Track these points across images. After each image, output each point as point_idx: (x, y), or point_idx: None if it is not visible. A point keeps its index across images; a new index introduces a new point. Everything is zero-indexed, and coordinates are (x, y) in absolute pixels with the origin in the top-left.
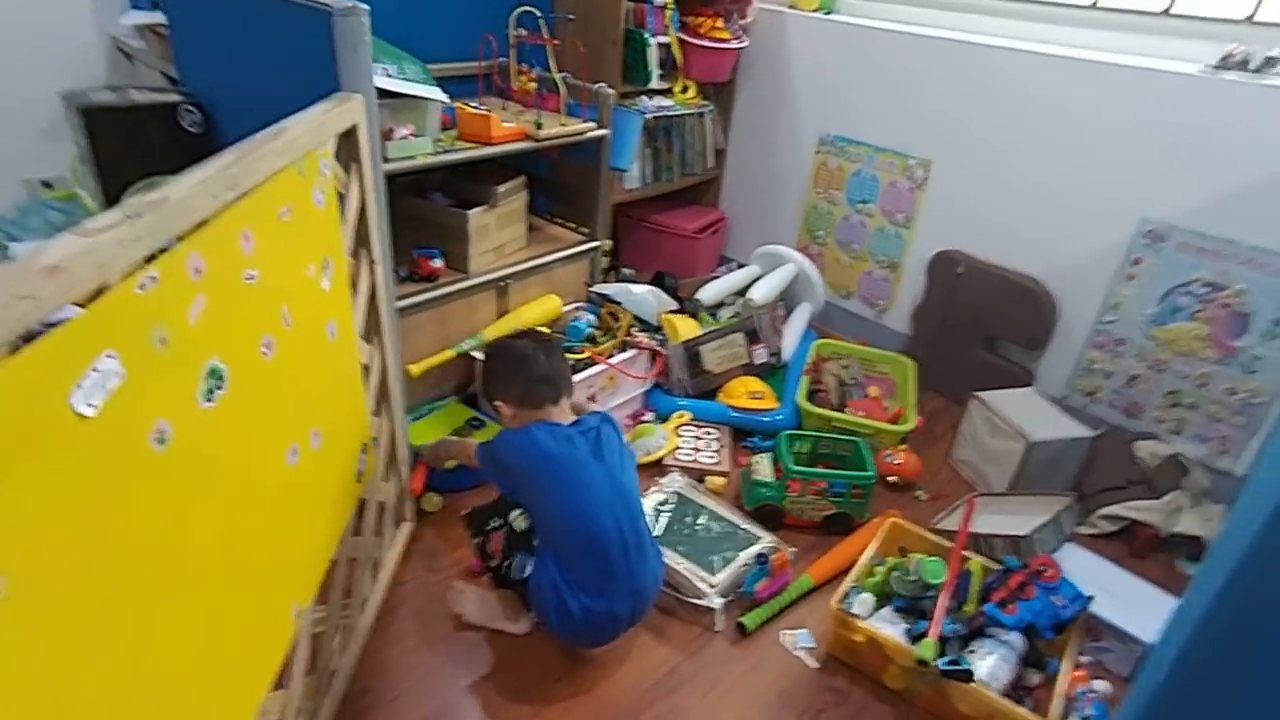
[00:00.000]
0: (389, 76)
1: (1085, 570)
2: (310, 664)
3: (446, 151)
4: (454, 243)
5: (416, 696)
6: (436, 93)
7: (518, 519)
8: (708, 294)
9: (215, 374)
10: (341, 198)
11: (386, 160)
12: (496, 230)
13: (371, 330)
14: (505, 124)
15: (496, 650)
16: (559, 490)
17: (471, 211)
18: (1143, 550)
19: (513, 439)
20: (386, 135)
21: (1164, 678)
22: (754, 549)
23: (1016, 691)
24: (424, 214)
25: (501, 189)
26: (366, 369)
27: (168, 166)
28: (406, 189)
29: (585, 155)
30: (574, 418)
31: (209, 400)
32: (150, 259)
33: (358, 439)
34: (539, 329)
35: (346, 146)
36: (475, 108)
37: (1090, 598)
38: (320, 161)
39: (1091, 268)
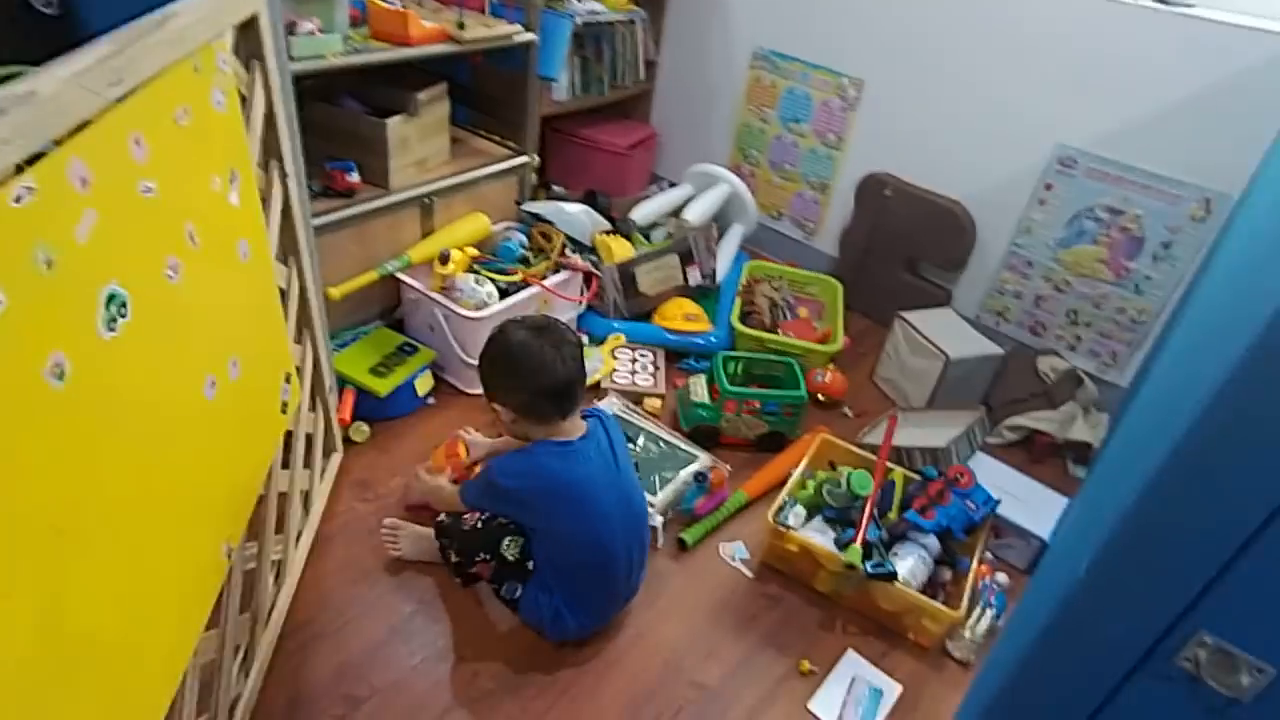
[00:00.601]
0: None
1: (992, 476)
2: (244, 601)
3: (359, 51)
4: (372, 155)
5: (361, 624)
6: None
7: (508, 548)
8: (641, 214)
9: (116, 300)
10: (245, 101)
11: (292, 59)
12: (418, 142)
13: (288, 250)
14: (424, 23)
15: (439, 575)
16: (572, 520)
17: (390, 120)
18: (1041, 456)
19: (516, 468)
20: (289, 29)
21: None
22: (692, 468)
23: (932, 587)
24: (337, 122)
25: (423, 96)
26: (284, 293)
27: (19, 56)
28: (315, 94)
29: (512, 62)
30: (582, 427)
31: (111, 330)
32: (21, 169)
33: (280, 368)
34: (547, 316)
35: (246, 41)
36: (388, 3)
37: (998, 501)
38: (218, 56)
39: (1009, 191)
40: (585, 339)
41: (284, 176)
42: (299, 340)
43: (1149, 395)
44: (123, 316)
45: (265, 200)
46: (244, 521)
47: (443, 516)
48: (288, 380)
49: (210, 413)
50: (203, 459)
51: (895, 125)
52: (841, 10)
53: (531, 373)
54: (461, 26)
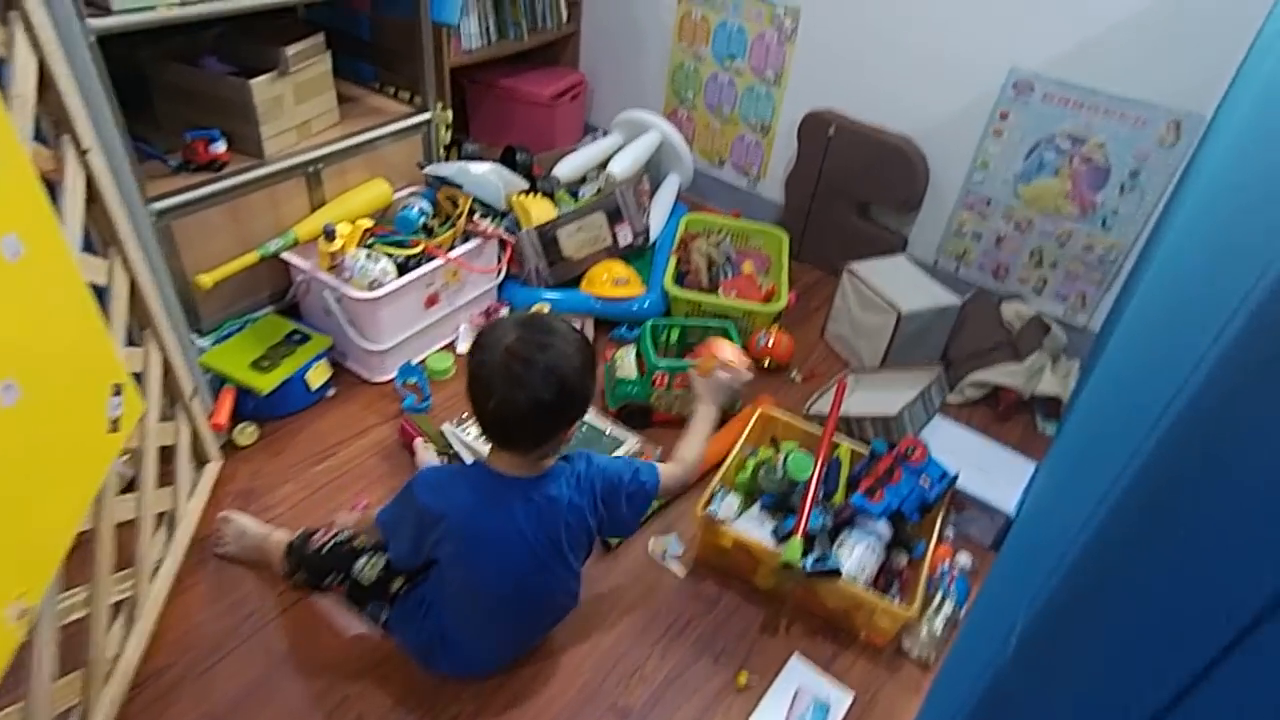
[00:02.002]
0: None
1: (951, 442)
2: (66, 660)
3: (201, 1)
4: (239, 121)
5: (230, 666)
6: None
7: (364, 570)
8: (565, 169)
9: None
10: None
11: (110, 12)
12: (296, 104)
13: (106, 239)
14: None
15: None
16: (455, 561)
17: (256, 80)
18: (1007, 414)
19: (435, 479)
20: None
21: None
22: (618, 452)
23: (885, 576)
24: (195, 85)
25: (292, 51)
26: (105, 291)
27: None
28: (171, 55)
29: (402, 8)
30: (533, 471)
31: None
32: None
33: (103, 380)
34: (549, 318)
35: None
36: None
37: (955, 475)
38: None
39: (962, 124)
40: (506, 311)
41: (83, 152)
42: (135, 342)
43: (1114, 360)
44: None
45: (55, 183)
46: (47, 573)
47: (292, 537)
48: (118, 392)
49: None
50: None
51: (836, 57)
52: None
53: (476, 380)
54: None
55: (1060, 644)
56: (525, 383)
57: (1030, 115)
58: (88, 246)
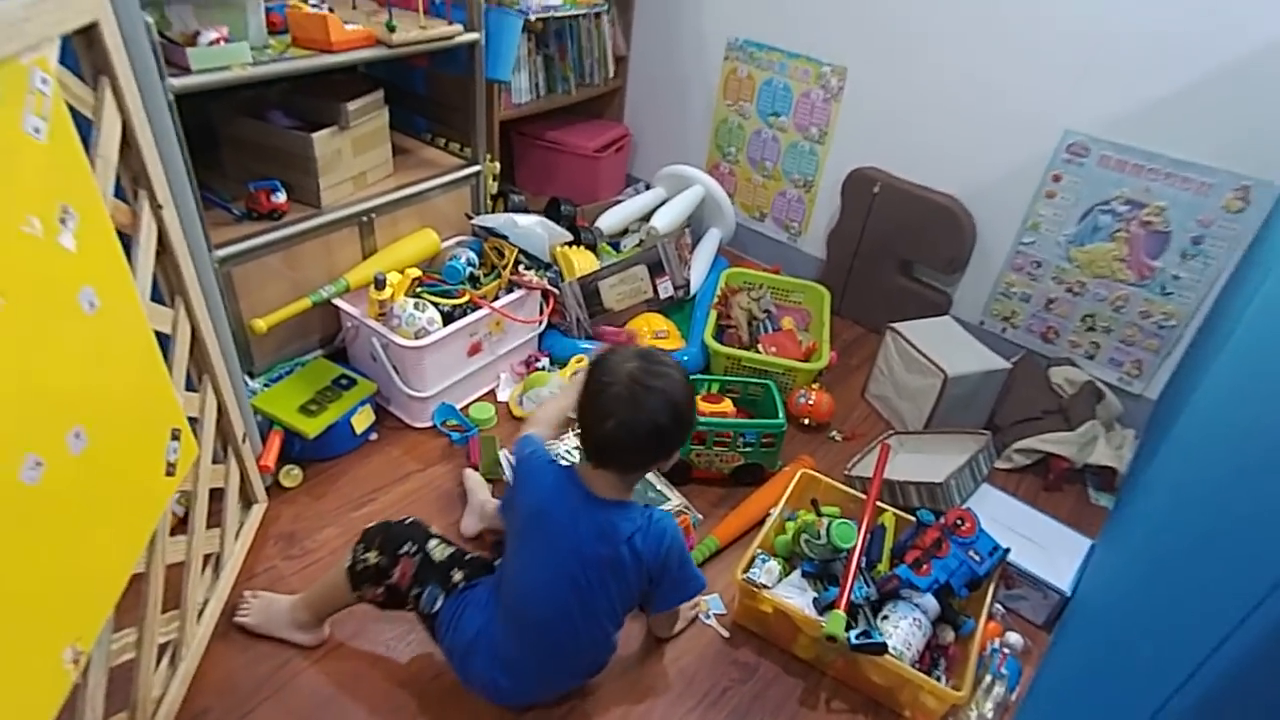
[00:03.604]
0: None
1: (999, 511)
2: (112, 702)
3: (272, 61)
4: (299, 172)
5: (269, 711)
6: None
7: (436, 548)
8: (608, 221)
9: None
10: (91, 125)
11: (190, 72)
12: (353, 156)
13: (172, 289)
14: (350, 26)
15: (364, 645)
16: (513, 543)
17: (317, 135)
18: (1057, 483)
19: (530, 447)
20: (190, 41)
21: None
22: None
23: (930, 653)
24: (260, 138)
25: (353, 106)
26: (167, 338)
27: None
28: (240, 108)
29: (457, 65)
30: (617, 495)
31: None
32: None
33: (163, 425)
34: (660, 352)
35: (89, 54)
36: (313, 6)
37: (1007, 550)
38: (31, 75)
39: (1011, 185)
40: (546, 362)
41: (157, 207)
42: (194, 388)
43: (1200, 427)
44: None
45: (130, 237)
46: (102, 615)
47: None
48: (176, 437)
49: (32, 500)
50: (24, 558)
51: (882, 116)
52: None
53: (594, 399)
54: (391, 29)
55: None
56: (646, 407)
57: (1085, 178)
58: (154, 295)
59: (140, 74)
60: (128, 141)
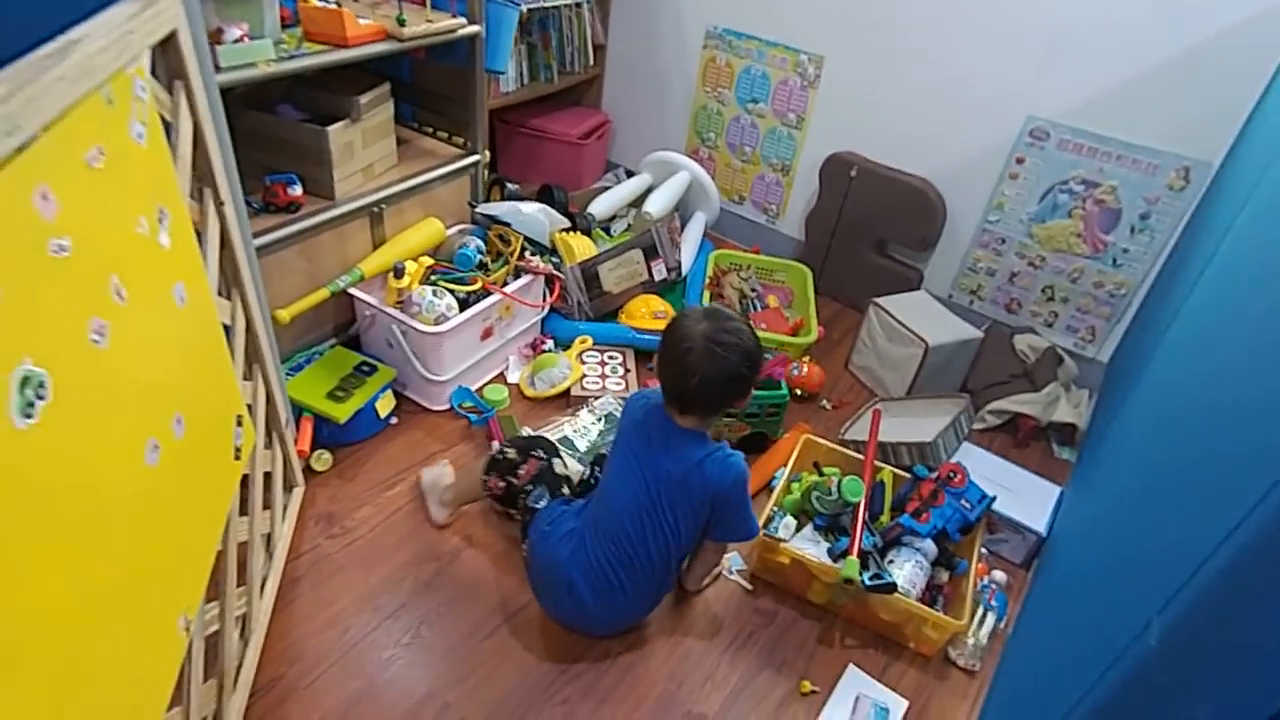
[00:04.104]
0: None
1: (979, 466)
2: (208, 669)
3: (292, 56)
4: (313, 165)
5: (335, 677)
6: None
7: (558, 462)
8: (600, 207)
9: (32, 382)
10: (168, 127)
11: (219, 70)
12: (363, 148)
13: (230, 283)
14: (361, 20)
15: (415, 613)
16: (610, 457)
17: (332, 128)
18: (1025, 440)
19: (634, 399)
20: (215, 38)
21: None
22: None
23: (930, 591)
24: (273, 131)
25: (364, 99)
26: (228, 329)
27: None
28: (247, 101)
29: (456, 57)
30: (690, 431)
31: (27, 417)
32: None
33: (230, 412)
34: (722, 308)
35: (165, 60)
36: (322, 1)
37: (993, 498)
38: (135, 84)
39: (978, 168)
40: (551, 344)
41: (219, 204)
42: (248, 377)
43: (1168, 379)
44: (41, 399)
45: (200, 234)
46: (202, 587)
47: None
48: (239, 423)
49: (155, 480)
50: (150, 534)
51: (858, 103)
52: None
53: (667, 351)
54: (402, 23)
55: (1201, 641)
56: (725, 360)
57: (1045, 160)
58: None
59: (206, 76)
60: (196, 142)
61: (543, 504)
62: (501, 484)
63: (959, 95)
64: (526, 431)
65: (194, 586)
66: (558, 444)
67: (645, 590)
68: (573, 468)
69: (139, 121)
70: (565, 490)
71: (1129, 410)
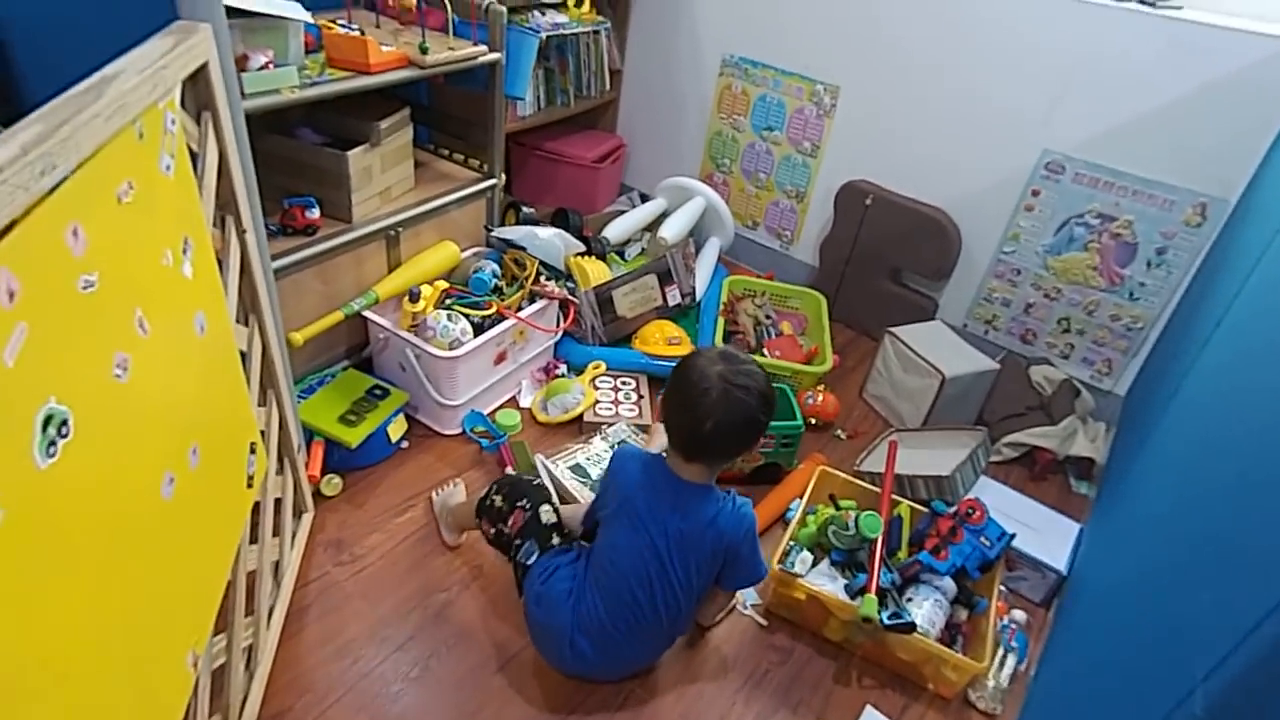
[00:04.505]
0: None
1: (996, 500)
2: (212, 703)
3: (316, 83)
4: (331, 188)
5: (342, 711)
6: (296, 9)
7: (546, 512)
8: (615, 231)
9: (55, 420)
10: (194, 157)
11: (244, 96)
12: (381, 172)
13: (247, 309)
14: (384, 48)
15: (423, 645)
16: (606, 524)
17: (352, 153)
18: (1042, 474)
19: (627, 452)
20: (240, 65)
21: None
22: None
23: (949, 630)
24: (292, 155)
25: (384, 124)
26: (244, 354)
27: None
28: (266, 124)
29: (475, 82)
30: (703, 480)
31: (49, 455)
32: None
33: (245, 440)
34: (733, 349)
35: (195, 91)
36: (345, 27)
37: (1013, 535)
38: (165, 117)
39: (994, 199)
40: (564, 369)
41: (242, 232)
42: (263, 403)
43: (1199, 421)
44: (63, 437)
45: (221, 261)
46: (210, 622)
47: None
48: (253, 450)
49: (169, 514)
50: (163, 570)
51: (874, 132)
52: (814, 15)
53: (683, 399)
54: (424, 50)
55: (1249, 712)
56: (743, 405)
57: (1061, 194)
58: None
59: (233, 105)
60: (221, 171)
61: (534, 559)
62: (492, 530)
63: (974, 127)
64: (538, 459)
65: (203, 621)
66: (547, 485)
67: (655, 645)
68: (579, 500)
69: (168, 154)
70: (555, 539)
71: (1154, 448)
